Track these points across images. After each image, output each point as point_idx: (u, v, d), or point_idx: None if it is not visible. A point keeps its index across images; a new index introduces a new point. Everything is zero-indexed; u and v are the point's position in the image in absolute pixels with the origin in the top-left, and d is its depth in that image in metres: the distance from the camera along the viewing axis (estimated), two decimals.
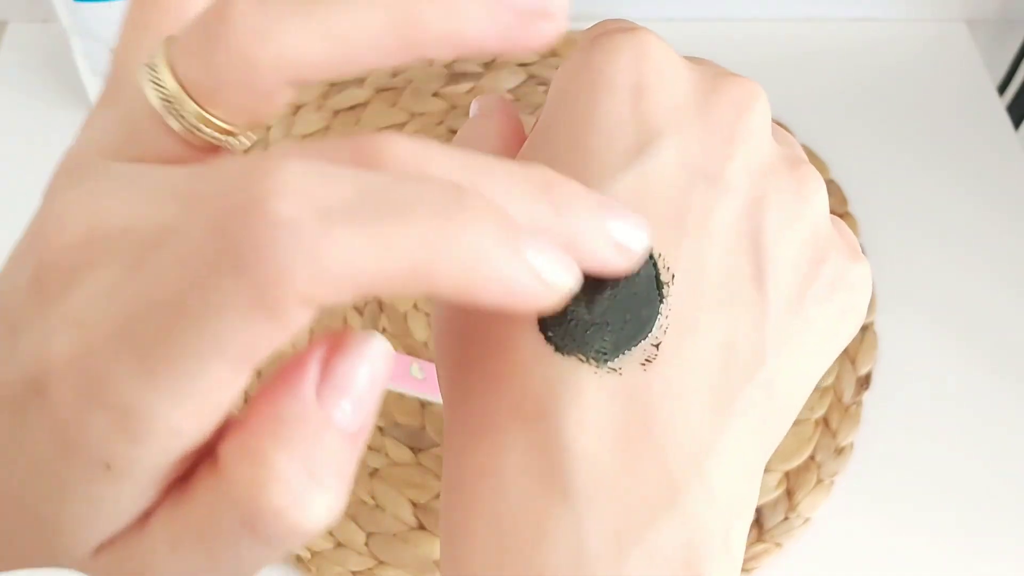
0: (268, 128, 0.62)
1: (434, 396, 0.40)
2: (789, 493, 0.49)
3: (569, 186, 0.18)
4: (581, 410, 0.20)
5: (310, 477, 0.16)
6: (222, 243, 0.14)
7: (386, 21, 0.17)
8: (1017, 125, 0.66)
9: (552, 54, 0.66)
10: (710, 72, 0.23)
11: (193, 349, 0.15)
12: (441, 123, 0.63)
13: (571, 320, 0.20)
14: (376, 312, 0.55)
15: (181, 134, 0.18)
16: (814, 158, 0.61)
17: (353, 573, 0.47)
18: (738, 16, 0.69)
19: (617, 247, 0.18)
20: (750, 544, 0.48)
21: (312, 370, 0.17)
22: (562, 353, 0.20)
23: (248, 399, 0.17)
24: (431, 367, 0.40)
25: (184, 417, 0.15)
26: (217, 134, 0.18)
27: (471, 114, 0.26)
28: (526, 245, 0.16)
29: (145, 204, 0.17)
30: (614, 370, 0.20)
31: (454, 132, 0.62)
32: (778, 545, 0.48)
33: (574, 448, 0.20)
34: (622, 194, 0.21)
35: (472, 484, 0.21)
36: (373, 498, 0.49)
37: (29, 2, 0.65)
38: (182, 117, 0.17)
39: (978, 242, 0.59)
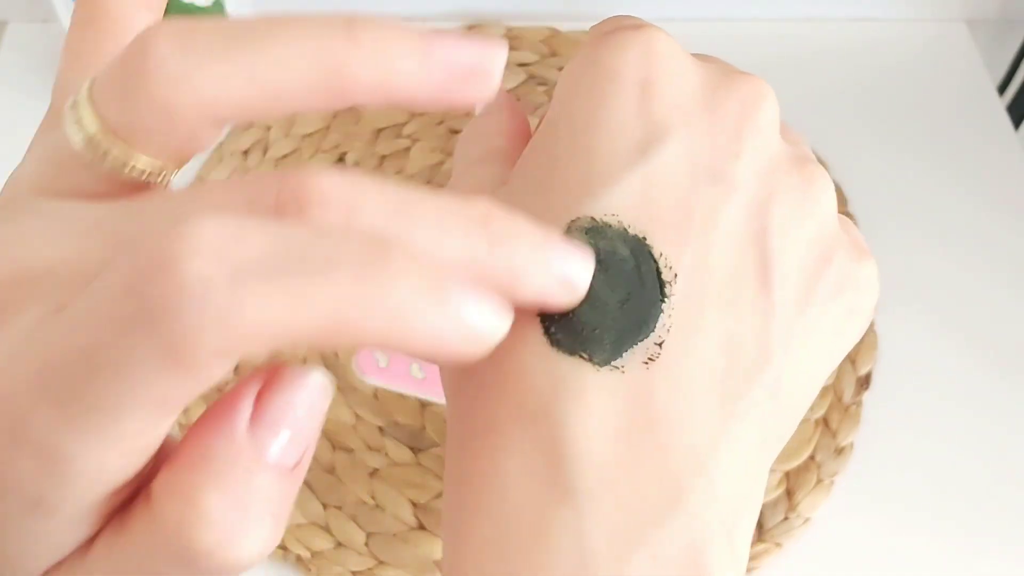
0: (268, 128, 0.62)
1: (434, 396, 0.41)
2: (789, 493, 0.49)
3: (510, 220, 0.17)
4: (584, 409, 0.20)
5: (241, 515, 0.16)
6: (136, 301, 0.14)
7: (312, 68, 0.17)
8: (1017, 125, 0.66)
9: (552, 54, 0.66)
10: (718, 70, 0.23)
11: (110, 398, 0.15)
12: (441, 123, 0.63)
13: (574, 319, 0.20)
14: None
15: (106, 173, 0.18)
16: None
17: (353, 573, 0.47)
18: (738, 16, 0.69)
19: (561, 282, 0.18)
20: (750, 544, 0.48)
21: (244, 406, 0.16)
22: (565, 352, 0.20)
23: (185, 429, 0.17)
24: (431, 367, 0.40)
25: (108, 460, 0.15)
26: (141, 173, 0.18)
27: (476, 112, 0.26)
28: (453, 296, 0.16)
29: (70, 245, 0.17)
30: (617, 368, 0.20)
31: (455, 132, 0.62)
32: (778, 545, 0.48)
33: (577, 448, 0.20)
34: (628, 193, 0.21)
35: (474, 484, 0.21)
36: (373, 498, 0.49)
37: (29, 2, 0.65)
38: (104, 157, 0.17)
39: (978, 242, 0.59)
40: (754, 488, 0.22)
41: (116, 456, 0.15)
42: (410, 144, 0.62)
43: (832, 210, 0.23)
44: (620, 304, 0.20)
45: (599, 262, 0.20)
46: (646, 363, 0.20)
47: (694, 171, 0.22)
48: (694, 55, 0.24)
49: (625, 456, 0.20)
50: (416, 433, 0.50)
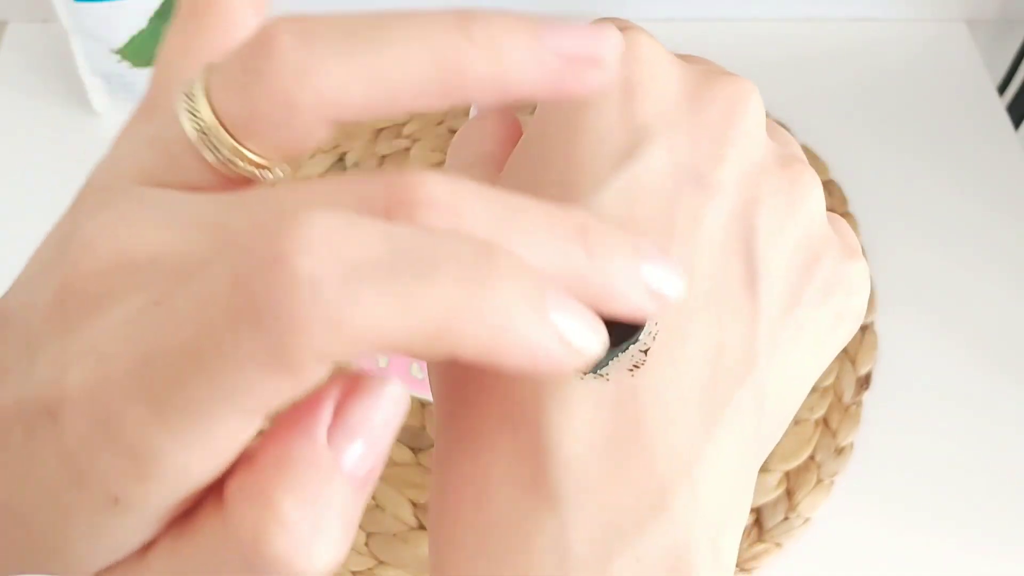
0: None
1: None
2: (789, 493, 0.49)
3: (606, 231, 0.17)
4: (568, 416, 0.20)
5: (315, 523, 0.15)
6: (243, 296, 0.14)
7: (430, 64, 0.16)
8: (1017, 125, 0.66)
9: None
10: (702, 71, 0.23)
11: (207, 398, 0.15)
12: (441, 123, 0.63)
13: None
14: None
15: (215, 165, 0.18)
16: (814, 158, 0.61)
17: (353, 573, 0.47)
18: (738, 16, 0.69)
19: (652, 294, 0.18)
20: (750, 544, 0.48)
21: (325, 412, 0.16)
22: None
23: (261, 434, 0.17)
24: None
25: (195, 461, 0.15)
26: (251, 167, 0.18)
27: (470, 115, 0.26)
28: (554, 308, 0.16)
29: (174, 235, 0.16)
30: (602, 376, 0.20)
31: (454, 132, 0.62)
32: (778, 545, 0.48)
33: (560, 454, 0.20)
34: (612, 197, 0.21)
35: (458, 491, 0.20)
36: (373, 498, 0.49)
37: (29, 2, 0.65)
38: (217, 150, 0.17)
39: (978, 242, 0.59)
40: (740, 494, 0.21)
41: (204, 458, 0.15)
42: (410, 144, 0.62)
43: (820, 210, 0.23)
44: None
45: None
46: (631, 370, 0.20)
47: (677, 175, 0.21)
48: (679, 56, 0.24)
49: (609, 463, 0.20)
50: (416, 433, 0.50)
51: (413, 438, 0.50)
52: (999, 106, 0.65)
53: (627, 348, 0.20)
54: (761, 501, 0.49)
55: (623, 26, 0.23)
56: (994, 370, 0.54)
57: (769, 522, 0.48)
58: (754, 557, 0.47)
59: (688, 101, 0.22)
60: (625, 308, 0.18)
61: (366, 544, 0.47)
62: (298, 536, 0.15)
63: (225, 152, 0.17)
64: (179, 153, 0.18)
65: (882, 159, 0.62)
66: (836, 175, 0.61)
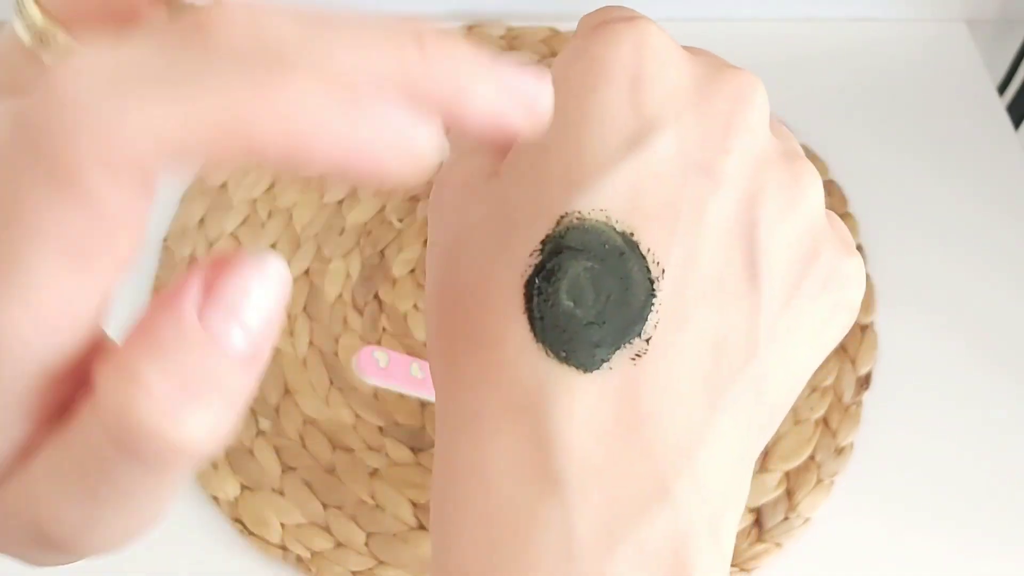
0: None
1: (434, 396, 0.41)
2: (789, 493, 0.49)
3: (449, 39, 0.16)
4: (570, 403, 0.20)
5: (185, 392, 0.15)
6: (22, 129, 0.14)
7: (383, 79, 0.16)
8: (1017, 125, 0.66)
9: (552, 54, 0.66)
10: (710, 63, 0.23)
11: (12, 243, 0.14)
12: None
13: (561, 314, 0.20)
14: (376, 312, 0.55)
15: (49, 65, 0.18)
16: (814, 158, 0.61)
17: (353, 573, 0.47)
18: (738, 16, 0.69)
19: (516, 100, 0.17)
20: (750, 544, 0.48)
21: (191, 290, 0.15)
22: (552, 354, 0.20)
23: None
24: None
25: (27, 323, 0.15)
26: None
27: None
28: (368, 102, 0.15)
29: None
30: (605, 364, 0.20)
31: None
32: (778, 545, 0.48)
33: (563, 441, 0.20)
34: (618, 184, 0.21)
35: (461, 478, 0.21)
36: (373, 498, 0.49)
37: None
38: (49, 46, 0.18)
39: (978, 242, 0.59)
40: (740, 480, 0.22)
41: (35, 319, 0.15)
42: None
43: (819, 205, 0.23)
44: (607, 301, 0.20)
45: (587, 259, 0.20)
46: (633, 359, 0.20)
47: (684, 166, 0.22)
48: (685, 48, 0.24)
49: (611, 450, 0.20)
50: (416, 433, 0.50)
51: (413, 438, 0.50)
52: (999, 106, 0.65)
53: (630, 337, 0.20)
54: (761, 501, 0.49)
55: (631, 16, 0.23)
56: (994, 370, 0.54)
57: (769, 522, 0.48)
58: (754, 557, 0.47)
59: (695, 93, 0.22)
60: (484, 116, 0.17)
61: (366, 544, 0.47)
62: (165, 404, 0.15)
63: (57, 47, 0.18)
64: (15, 59, 0.19)
65: (882, 159, 0.62)
66: (836, 175, 0.61)
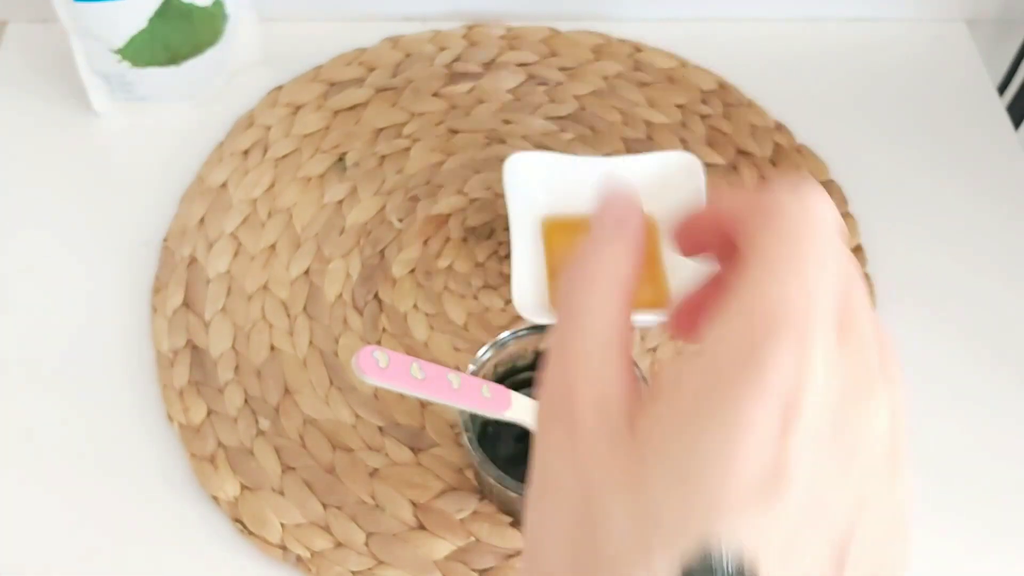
0: (268, 127, 0.62)
1: (434, 396, 0.41)
2: None
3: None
4: None
5: None
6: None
7: None
8: (1017, 125, 0.66)
9: (552, 54, 0.66)
10: (854, 379, 0.23)
11: None
12: (441, 123, 0.63)
13: None
14: (376, 312, 0.55)
15: None
16: (814, 158, 0.61)
17: (353, 573, 0.47)
18: (738, 16, 0.69)
19: None
20: None
21: None
22: None
23: None
24: (431, 367, 0.41)
25: None
26: None
27: (592, 218, 0.26)
28: None
29: None
30: None
31: (454, 132, 0.62)
32: None
33: None
34: (748, 531, 0.21)
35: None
36: (373, 498, 0.49)
37: (29, 2, 0.65)
38: None
39: (978, 242, 0.59)
40: None
41: None
42: (410, 144, 0.62)
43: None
44: None
45: None
46: None
47: (810, 522, 0.22)
48: (837, 339, 0.23)
49: None
50: (416, 433, 0.50)
51: (413, 438, 0.50)
52: (999, 106, 0.65)
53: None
54: None
55: (797, 327, 0.22)
56: (994, 369, 0.54)
57: None
58: None
59: (834, 427, 0.22)
60: None
61: (366, 544, 0.47)
62: None
63: None
64: None
65: (882, 159, 0.62)
66: (836, 175, 0.61)
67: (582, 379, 0.23)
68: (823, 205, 0.23)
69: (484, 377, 0.46)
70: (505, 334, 0.47)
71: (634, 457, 0.23)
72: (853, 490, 0.23)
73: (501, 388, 0.44)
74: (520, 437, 0.47)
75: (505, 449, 0.48)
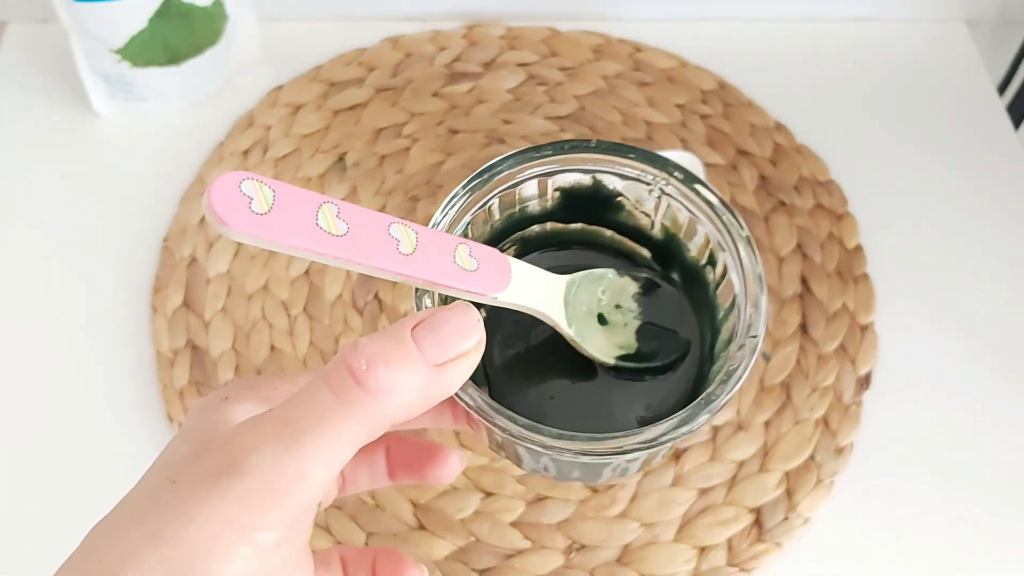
0: (268, 127, 0.62)
1: (364, 264, 0.26)
2: (789, 493, 0.49)
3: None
4: None
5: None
6: None
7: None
8: (1017, 125, 0.66)
9: (552, 54, 0.66)
10: None
11: None
12: (441, 123, 0.63)
13: None
14: (376, 312, 0.55)
15: None
16: (814, 158, 0.61)
17: None
18: (738, 16, 0.69)
19: None
20: (750, 544, 0.48)
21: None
22: None
23: None
24: (362, 213, 0.26)
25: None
26: None
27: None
28: None
29: None
30: None
31: (454, 132, 0.62)
32: (778, 545, 0.48)
33: None
34: None
35: None
36: (373, 498, 0.49)
37: (29, 2, 0.65)
38: None
39: (978, 242, 0.59)
40: None
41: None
42: (410, 144, 0.62)
43: None
44: None
45: None
46: None
47: None
48: None
49: None
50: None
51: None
52: (999, 106, 0.65)
53: None
54: (761, 501, 0.49)
55: None
56: (994, 369, 0.54)
57: (769, 522, 0.48)
58: (754, 557, 0.47)
59: None
60: None
61: (366, 544, 0.47)
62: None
63: None
64: None
65: (882, 159, 0.62)
66: (836, 175, 0.61)
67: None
68: None
69: (466, 235, 0.29)
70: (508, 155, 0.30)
71: None
72: None
73: (493, 252, 0.29)
74: (521, 323, 0.31)
75: (501, 355, 0.32)
